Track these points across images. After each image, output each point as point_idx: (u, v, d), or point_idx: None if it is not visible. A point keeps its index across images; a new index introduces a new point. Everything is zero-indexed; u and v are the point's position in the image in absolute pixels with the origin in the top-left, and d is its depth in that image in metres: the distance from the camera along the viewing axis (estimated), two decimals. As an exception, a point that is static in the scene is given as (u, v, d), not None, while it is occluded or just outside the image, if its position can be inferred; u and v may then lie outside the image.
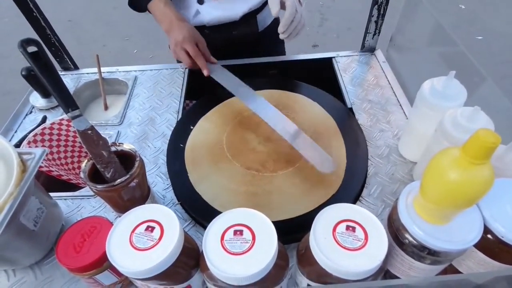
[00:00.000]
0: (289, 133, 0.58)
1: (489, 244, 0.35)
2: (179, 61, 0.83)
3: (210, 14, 0.79)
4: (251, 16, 0.82)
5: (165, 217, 0.38)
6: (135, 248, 0.36)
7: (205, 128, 0.66)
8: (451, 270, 0.42)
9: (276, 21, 0.90)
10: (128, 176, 0.44)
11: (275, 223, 0.36)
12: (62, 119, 0.67)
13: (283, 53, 0.97)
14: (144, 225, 0.37)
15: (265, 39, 0.87)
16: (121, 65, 0.86)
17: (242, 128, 0.66)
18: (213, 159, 0.60)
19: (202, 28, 0.81)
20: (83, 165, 0.45)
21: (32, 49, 0.40)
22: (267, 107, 0.63)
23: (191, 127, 0.66)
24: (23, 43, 0.39)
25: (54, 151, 0.67)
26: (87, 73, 0.85)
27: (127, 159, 0.48)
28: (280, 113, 0.62)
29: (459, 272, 0.41)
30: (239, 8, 0.79)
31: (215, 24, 0.81)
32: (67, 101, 0.43)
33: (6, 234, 0.41)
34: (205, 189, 0.56)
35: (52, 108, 0.76)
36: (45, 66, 0.41)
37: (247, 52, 0.86)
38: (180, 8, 0.80)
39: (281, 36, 0.65)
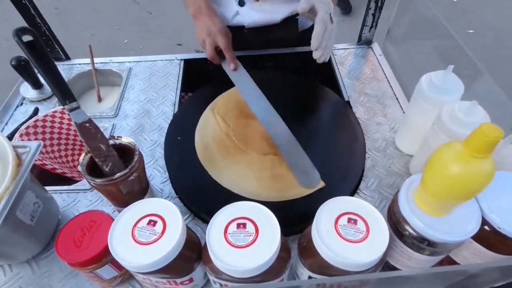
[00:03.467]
0: (281, 138, 0.59)
1: (486, 235, 0.36)
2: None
3: (250, 16, 0.76)
4: (292, 19, 0.78)
5: (167, 211, 0.38)
6: (138, 242, 0.35)
7: (210, 123, 0.65)
8: (448, 260, 0.43)
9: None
10: (127, 170, 0.43)
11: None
12: (55, 111, 0.66)
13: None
14: (146, 219, 0.37)
15: (302, 41, 0.83)
16: (111, 55, 0.84)
17: (245, 118, 0.65)
18: (228, 152, 0.60)
19: (240, 29, 0.78)
20: (81, 158, 0.45)
21: (27, 38, 0.39)
22: (267, 110, 0.64)
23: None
24: (18, 32, 0.38)
25: (48, 144, 0.65)
26: (79, 64, 0.82)
27: (125, 153, 0.47)
28: (278, 117, 0.63)
29: (455, 262, 0.42)
30: (281, 11, 0.76)
31: (254, 26, 0.78)
32: (65, 93, 0.42)
33: (3, 229, 0.40)
34: (229, 183, 0.55)
35: (44, 99, 0.74)
36: (41, 56, 0.40)
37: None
38: (219, 6, 0.77)
39: (315, 55, 0.63)
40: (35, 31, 0.40)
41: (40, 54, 0.40)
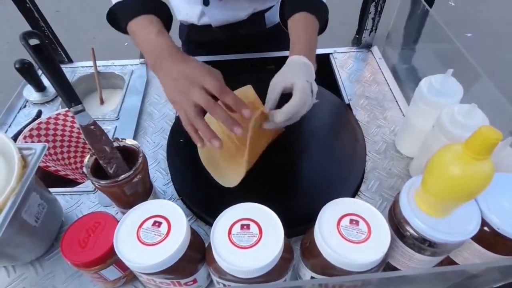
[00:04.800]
0: None
1: (486, 236, 0.37)
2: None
3: (215, 16, 0.76)
4: (258, 15, 0.80)
5: (171, 212, 0.39)
6: (143, 243, 0.36)
7: (211, 125, 0.65)
8: (448, 261, 0.43)
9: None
10: (132, 171, 0.44)
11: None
12: (59, 114, 0.66)
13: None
14: (151, 220, 0.38)
15: (274, 35, 0.84)
16: (111, 58, 0.85)
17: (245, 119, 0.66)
18: (230, 154, 0.60)
19: (208, 27, 0.79)
20: (86, 160, 0.45)
21: (33, 42, 0.39)
22: None
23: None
24: (25, 36, 0.38)
25: (51, 146, 0.66)
26: (82, 67, 0.83)
27: (129, 155, 0.48)
28: None
29: (455, 263, 0.43)
30: (245, 8, 0.77)
31: (221, 25, 0.79)
32: (70, 96, 0.42)
33: (8, 230, 0.40)
34: (230, 184, 0.56)
35: (47, 102, 0.74)
36: (48, 59, 0.40)
37: (254, 47, 0.85)
38: (185, 4, 0.77)
39: (265, 125, 0.51)
40: (42, 35, 0.40)
41: (46, 57, 0.41)
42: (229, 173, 0.58)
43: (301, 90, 0.49)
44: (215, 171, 0.58)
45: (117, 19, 0.56)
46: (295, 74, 0.52)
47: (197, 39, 0.86)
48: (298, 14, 0.61)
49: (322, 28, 0.65)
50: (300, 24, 0.61)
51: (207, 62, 0.84)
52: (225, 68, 0.85)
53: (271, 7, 0.82)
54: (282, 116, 0.49)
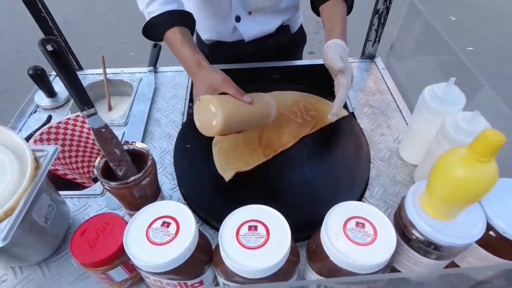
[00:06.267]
0: None
1: (491, 240, 0.37)
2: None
3: (248, 30, 0.80)
4: (284, 26, 0.84)
5: (180, 213, 0.39)
6: (152, 243, 0.36)
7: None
8: (453, 267, 0.43)
9: (301, 29, 0.93)
10: (141, 174, 0.45)
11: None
12: (69, 118, 0.67)
13: (301, 57, 1.00)
14: (160, 221, 0.38)
15: (295, 40, 0.90)
16: (117, 67, 0.87)
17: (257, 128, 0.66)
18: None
19: (239, 42, 0.83)
20: (96, 162, 0.46)
21: (50, 48, 0.41)
22: None
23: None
24: (43, 42, 0.40)
25: (60, 150, 0.67)
26: (91, 74, 0.85)
27: (138, 158, 0.49)
28: None
29: (461, 269, 0.43)
30: (274, 21, 0.81)
31: (253, 39, 0.83)
32: (84, 99, 0.44)
33: (19, 230, 0.41)
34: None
35: (57, 107, 0.76)
36: (64, 64, 0.42)
37: (278, 54, 0.89)
38: (217, 23, 0.81)
39: (332, 119, 0.62)
40: (59, 41, 0.42)
41: (63, 62, 0.43)
42: (246, 157, 0.61)
43: (347, 87, 0.61)
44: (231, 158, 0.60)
45: (155, 30, 0.66)
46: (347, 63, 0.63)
47: (220, 55, 0.88)
48: (330, 1, 0.70)
49: (349, 9, 0.72)
50: (333, 9, 0.70)
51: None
52: (230, 77, 0.88)
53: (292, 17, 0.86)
54: (335, 110, 0.60)
